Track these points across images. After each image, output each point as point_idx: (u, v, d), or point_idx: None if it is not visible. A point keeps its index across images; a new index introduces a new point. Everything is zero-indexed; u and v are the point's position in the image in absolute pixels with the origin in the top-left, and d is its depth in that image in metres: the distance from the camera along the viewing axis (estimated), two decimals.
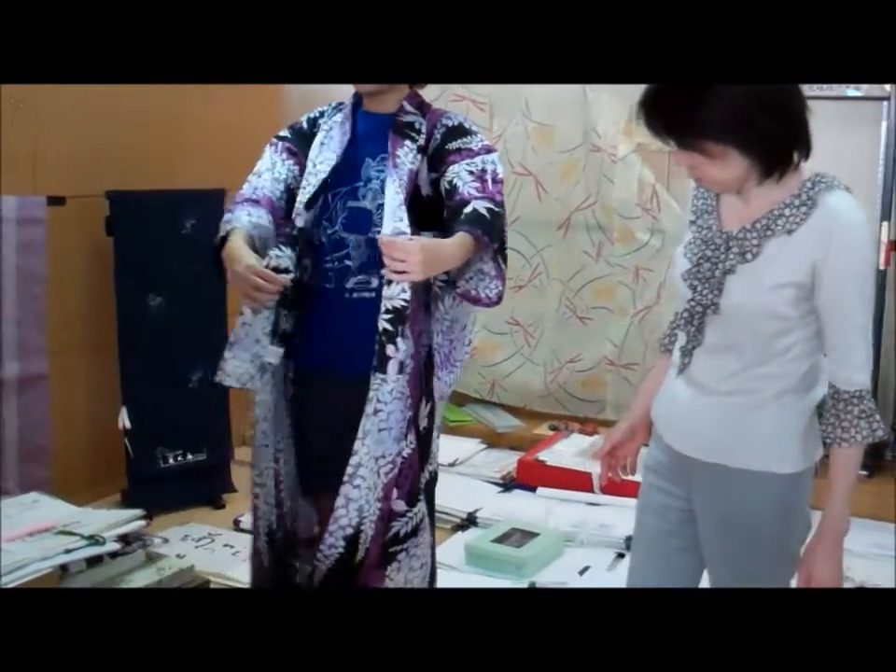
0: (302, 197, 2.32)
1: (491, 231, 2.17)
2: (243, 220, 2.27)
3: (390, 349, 2.15)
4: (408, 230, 2.16)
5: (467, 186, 2.23)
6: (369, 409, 2.20)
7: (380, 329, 2.15)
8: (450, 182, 2.25)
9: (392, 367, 2.16)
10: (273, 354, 2.32)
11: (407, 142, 2.30)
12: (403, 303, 2.14)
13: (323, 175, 2.31)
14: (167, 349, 3.78)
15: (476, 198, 2.20)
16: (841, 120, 3.79)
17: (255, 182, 2.37)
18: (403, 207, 2.22)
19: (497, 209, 2.21)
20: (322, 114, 2.43)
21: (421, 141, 2.31)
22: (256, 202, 2.32)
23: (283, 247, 2.27)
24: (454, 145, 2.31)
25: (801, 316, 1.76)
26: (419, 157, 2.30)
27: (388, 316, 2.14)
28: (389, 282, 2.12)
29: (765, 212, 1.77)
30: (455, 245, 2.12)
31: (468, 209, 2.18)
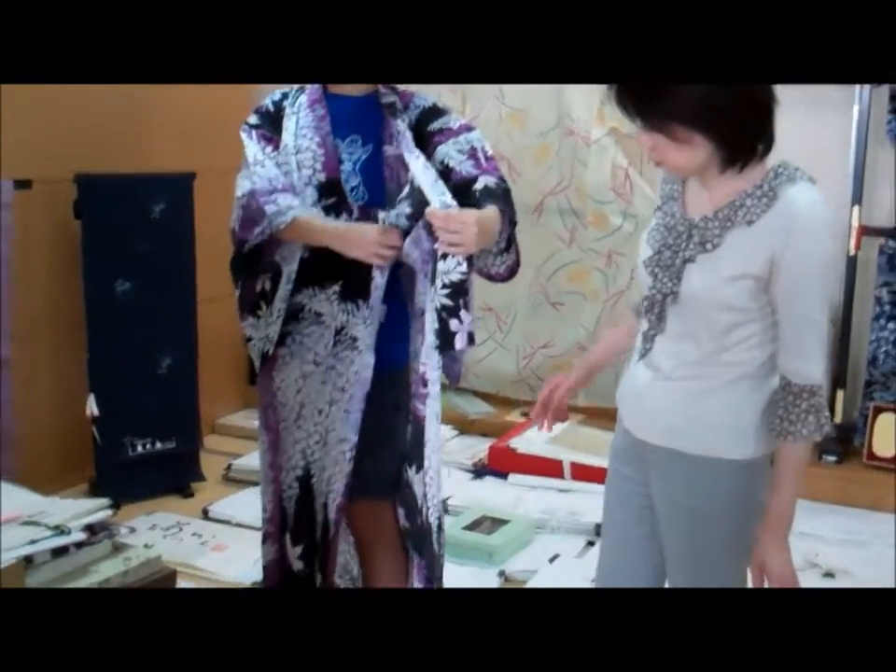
0: (300, 186, 2.31)
1: (509, 205, 2.22)
2: (298, 205, 2.26)
3: (454, 324, 2.09)
4: (454, 202, 2.13)
5: (463, 165, 2.26)
6: (433, 391, 2.21)
7: (438, 305, 2.09)
8: (441, 162, 2.28)
9: (460, 340, 2.10)
10: (383, 311, 2.31)
11: (398, 122, 2.30)
12: (462, 276, 2.09)
13: (320, 177, 2.30)
14: (136, 335, 3.74)
15: (477, 175, 2.22)
16: (812, 104, 3.78)
17: (263, 172, 2.32)
18: (440, 181, 2.20)
19: (503, 184, 2.25)
20: (286, 95, 2.41)
21: (407, 120, 2.31)
22: (285, 190, 2.30)
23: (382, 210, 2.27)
24: (434, 125, 2.33)
25: (760, 308, 1.74)
26: (410, 135, 2.30)
27: (446, 291, 2.09)
28: (444, 256, 2.09)
29: (728, 202, 1.75)
30: (495, 219, 2.16)
31: (478, 185, 2.20)
